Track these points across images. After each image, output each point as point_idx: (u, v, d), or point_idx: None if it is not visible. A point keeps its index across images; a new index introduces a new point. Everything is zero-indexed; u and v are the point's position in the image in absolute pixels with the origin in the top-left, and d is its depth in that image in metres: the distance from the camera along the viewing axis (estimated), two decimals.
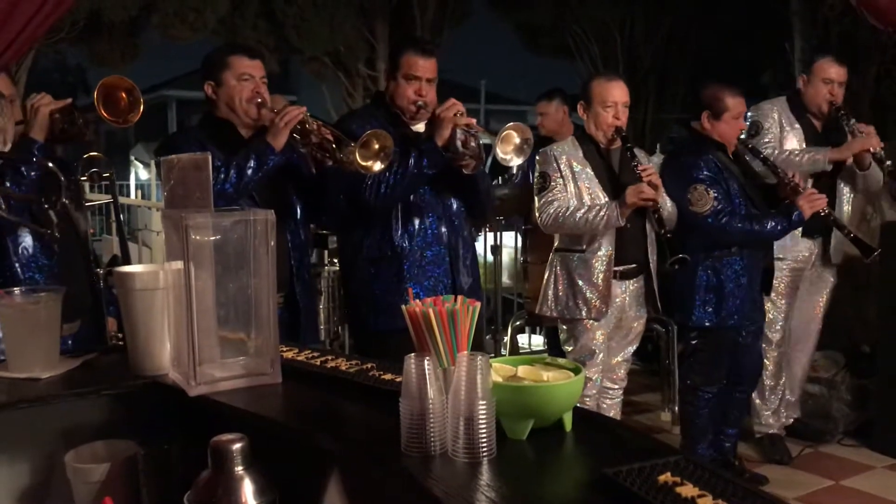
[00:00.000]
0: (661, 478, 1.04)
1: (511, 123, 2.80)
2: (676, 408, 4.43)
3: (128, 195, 10.55)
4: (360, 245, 2.91)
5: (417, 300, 1.32)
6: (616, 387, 3.55)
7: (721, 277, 3.47)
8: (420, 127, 2.96)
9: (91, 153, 3.14)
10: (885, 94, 4.47)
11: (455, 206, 3.00)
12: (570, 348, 3.40)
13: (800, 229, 3.83)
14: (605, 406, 3.52)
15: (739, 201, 3.46)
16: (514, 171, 4.95)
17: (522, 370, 1.32)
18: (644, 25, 8.21)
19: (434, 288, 2.90)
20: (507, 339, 4.76)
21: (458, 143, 2.77)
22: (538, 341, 5.57)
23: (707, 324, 3.50)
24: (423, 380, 1.22)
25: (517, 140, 2.75)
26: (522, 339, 5.45)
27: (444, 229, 2.94)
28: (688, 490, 1.00)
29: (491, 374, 1.23)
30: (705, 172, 3.43)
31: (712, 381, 3.57)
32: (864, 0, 4.00)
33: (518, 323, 4.72)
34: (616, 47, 8.23)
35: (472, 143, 2.78)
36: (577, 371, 1.30)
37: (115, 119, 2.45)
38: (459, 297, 1.32)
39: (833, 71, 3.86)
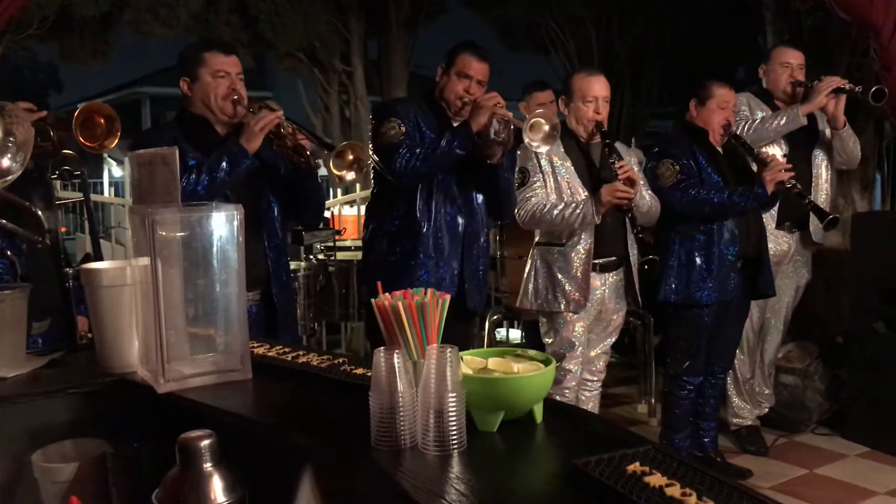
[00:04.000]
0: (630, 468, 1.04)
1: (539, 111, 2.95)
2: (653, 400, 4.48)
3: (101, 193, 10.43)
4: (382, 219, 3.07)
5: (387, 294, 1.31)
6: (595, 379, 3.56)
7: (691, 255, 3.50)
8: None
9: (63, 151, 3.08)
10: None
11: (478, 201, 3.13)
12: (550, 340, 3.42)
13: (774, 218, 3.86)
14: (583, 398, 3.53)
15: (712, 178, 3.50)
16: None
17: (493, 362, 1.32)
18: (619, 21, 8.24)
19: (440, 273, 3.02)
20: (484, 333, 4.76)
21: (492, 132, 2.91)
22: (516, 335, 5.58)
23: (673, 298, 3.52)
24: (393, 373, 1.21)
25: (546, 128, 2.86)
26: (500, 333, 5.46)
27: (461, 220, 3.06)
28: (656, 479, 1.00)
29: (461, 366, 1.23)
30: (674, 150, 3.53)
31: (694, 370, 3.59)
32: None
33: (495, 317, 4.73)
34: (591, 43, 8.25)
35: (503, 136, 2.91)
36: (547, 363, 1.30)
37: (91, 144, 2.42)
38: (430, 290, 1.32)
39: (790, 54, 3.97)
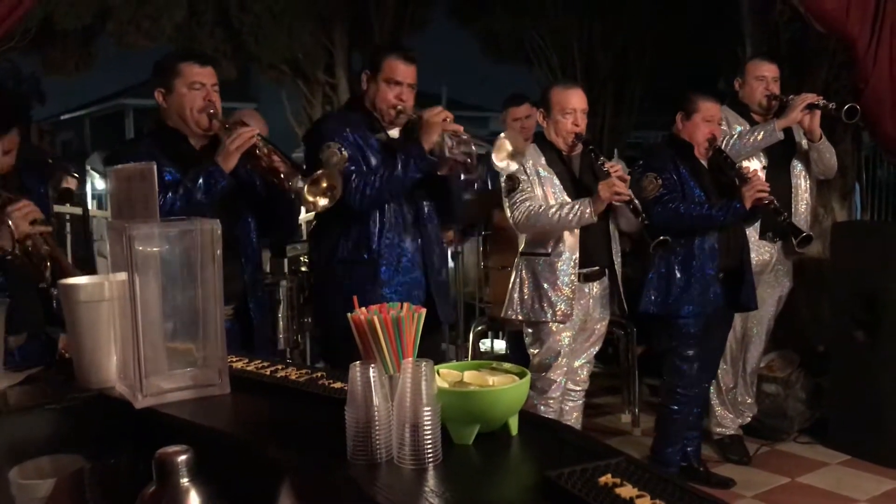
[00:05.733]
0: (602, 479, 1.05)
1: (504, 133, 2.94)
2: (637, 409, 4.49)
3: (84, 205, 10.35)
4: (335, 248, 2.95)
5: (363, 308, 1.32)
6: (578, 388, 3.58)
7: (671, 268, 3.52)
8: (395, 133, 3.01)
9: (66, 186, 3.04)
10: (834, 99, 4.55)
11: (426, 209, 3.05)
12: (535, 351, 3.43)
13: (757, 229, 3.90)
14: (567, 408, 3.55)
15: (694, 192, 3.52)
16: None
17: (468, 375, 1.33)
18: (601, 33, 8.30)
19: (409, 289, 2.96)
20: (468, 344, 4.77)
21: (445, 149, 2.84)
22: (500, 346, 5.59)
23: (652, 310, 3.54)
24: (369, 387, 1.22)
25: (509, 147, 2.87)
26: (484, 344, 5.47)
27: (416, 232, 3.00)
28: (627, 491, 1.02)
29: (436, 380, 1.23)
30: (657, 163, 3.55)
31: (691, 381, 3.60)
32: (811, 6, 4.08)
33: (479, 328, 4.74)
34: (574, 54, 8.31)
35: (457, 150, 2.84)
36: (522, 375, 1.31)
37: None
38: (405, 305, 1.33)
39: (764, 68, 3.99)
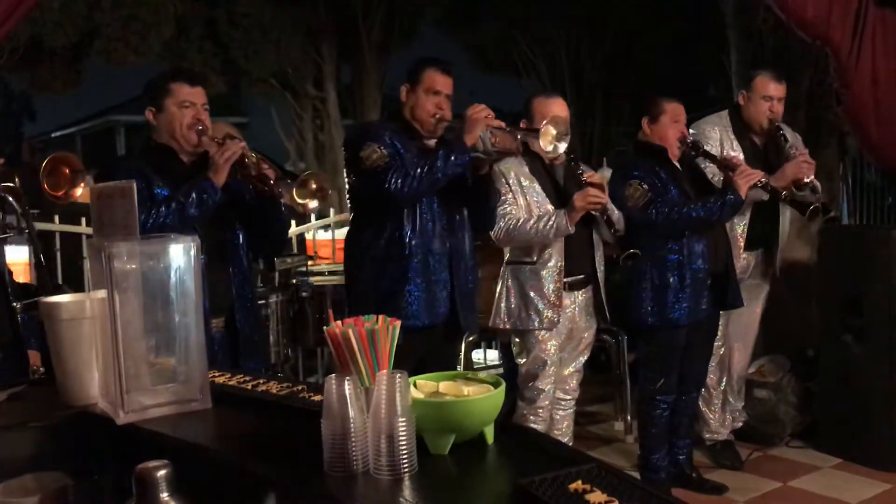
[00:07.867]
0: (572, 486, 1.07)
1: (548, 118, 3.03)
2: (629, 417, 4.50)
3: (78, 223, 10.29)
4: (369, 247, 3.03)
5: (338, 321, 1.33)
6: (568, 398, 3.58)
7: (664, 275, 3.52)
8: (432, 143, 3.08)
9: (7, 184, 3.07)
10: (818, 105, 4.59)
11: (459, 218, 3.11)
12: (522, 360, 3.43)
13: (743, 236, 3.91)
14: (557, 417, 3.55)
15: (676, 193, 3.53)
16: None
17: (444, 386, 1.34)
18: (589, 43, 8.35)
19: (434, 288, 3.01)
20: (461, 355, 4.76)
21: (488, 144, 2.95)
22: (493, 356, 5.60)
23: (650, 321, 3.55)
24: (344, 400, 1.23)
25: (553, 131, 2.96)
26: (477, 355, 5.47)
27: (447, 240, 3.05)
28: (596, 497, 1.03)
29: (410, 390, 1.25)
30: (637, 171, 3.55)
31: (667, 388, 3.62)
32: (793, 14, 4.13)
33: (471, 338, 4.74)
34: (562, 64, 8.36)
35: (500, 146, 2.97)
36: (497, 385, 1.32)
37: (56, 193, 2.41)
38: (381, 317, 1.34)
39: (772, 87, 3.86)
